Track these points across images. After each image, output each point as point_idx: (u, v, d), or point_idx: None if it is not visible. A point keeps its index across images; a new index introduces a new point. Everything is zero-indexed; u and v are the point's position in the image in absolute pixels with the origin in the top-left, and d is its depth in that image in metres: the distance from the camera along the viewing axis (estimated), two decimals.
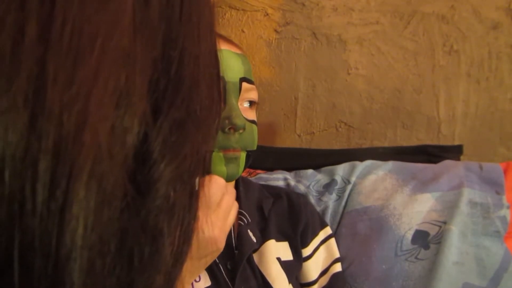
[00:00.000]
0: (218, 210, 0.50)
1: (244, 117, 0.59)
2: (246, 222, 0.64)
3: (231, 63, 0.58)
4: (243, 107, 0.60)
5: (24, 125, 0.14)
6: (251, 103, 0.62)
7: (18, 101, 0.13)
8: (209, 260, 0.50)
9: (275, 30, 1.10)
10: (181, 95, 0.19)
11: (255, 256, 0.63)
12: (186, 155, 0.20)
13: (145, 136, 0.18)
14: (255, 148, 0.62)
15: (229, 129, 0.57)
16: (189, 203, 0.21)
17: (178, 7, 0.19)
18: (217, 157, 0.57)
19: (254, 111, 0.63)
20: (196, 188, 0.22)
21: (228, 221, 0.52)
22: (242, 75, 0.59)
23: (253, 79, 0.62)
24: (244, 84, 0.59)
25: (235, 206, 0.55)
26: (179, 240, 0.20)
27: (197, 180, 0.22)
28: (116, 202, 0.16)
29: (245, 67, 0.60)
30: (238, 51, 0.61)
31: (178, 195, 0.19)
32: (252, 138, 0.61)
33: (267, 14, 1.09)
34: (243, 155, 0.60)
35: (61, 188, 0.14)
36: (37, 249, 0.14)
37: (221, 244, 0.49)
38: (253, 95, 0.61)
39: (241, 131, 0.58)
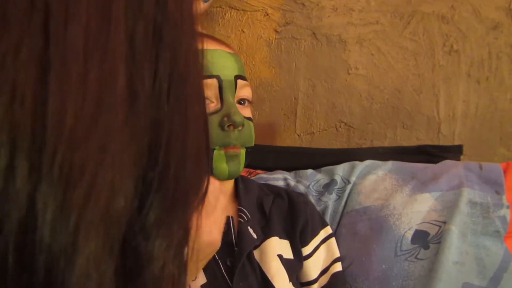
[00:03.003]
0: (215, 212, 0.50)
1: None
2: (246, 219, 0.64)
3: (226, 62, 0.60)
4: (239, 105, 0.62)
5: (12, 259, 0.14)
6: (246, 101, 0.64)
7: (8, 244, 0.14)
8: (205, 262, 0.51)
9: (275, 30, 1.10)
10: (168, 180, 0.20)
11: (256, 253, 0.63)
12: (175, 233, 0.21)
13: (131, 223, 0.19)
14: (253, 144, 0.64)
15: (229, 126, 0.59)
16: (178, 274, 0.22)
17: (165, 89, 0.19)
18: (218, 154, 0.59)
19: (249, 108, 0.65)
20: (185, 259, 0.23)
21: (223, 220, 0.52)
22: (236, 73, 0.61)
23: (246, 76, 0.64)
24: (239, 81, 0.62)
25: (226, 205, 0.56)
26: None
27: (185, 250, 0.23)
28: (112, 278, 0.17)
29: (238, 65, 0.63)
30: (231, 51, 0.64)
31: (168, 269, 0.21)
32: (250, 134, 0.63)
33: (267, 14, 1.09)
34: (242, 152, 0.62)
35: None
36: None
37: (218, 244, 0.49)
38: (248, 92, 0.64)
39: (240, 127, 0.60)
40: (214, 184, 0.52)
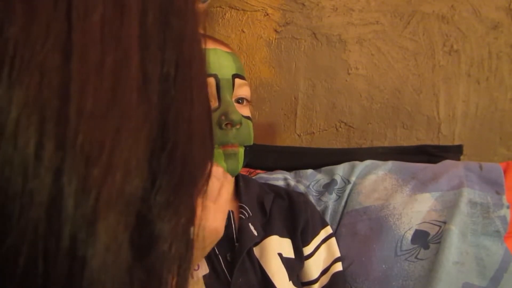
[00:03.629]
0: (219, 200, 0.50)
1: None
2: (247, 215, 0.64)
3: (223, 61, 0.61)
4: (237, 104, 0.62)
5: (43, 226, 0.16)
6: (244, 100, 0.64)
7: (40, 214, 0.16)
8: (208, 249, 0.51)
9: (275, 30, 1.10)
10: (175, 160, 0.22)
11: (256, 250, 0.63)
12: (182, 212, 0.22)
13: (144, 201, 0.20)
14: (251, 143, 0.64)
15: (226, 125, 0.59)
16: (185, 252, 0.23)
17: (172, 73, 0.21)
18: (217, 153, 0.59)
19: (248, 107, 0.65)
20: (191, 237, 0.24)
21: (227, 209, 0.52)
22: (234, 72, 0.62)
23: (244, 76, 0.64)
24: (237, 80, 0.62)
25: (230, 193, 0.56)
26: (177, 284, 0.23)
27: (191, 229, 0.24)
28: (122, 258, 0.19)
29: (236, 64, 0.63)
30: (228, 50, 0.64)
31: (175, 247, 0.22)
32: (248, 133, 0.63)
33: (267, 14, 1.09)
34: (241, 150, 0.62)
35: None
36: None
37: (221, 233, 0.49)
38: (246, 91, 0.64)
39: (238, 126, 0.60)
40: (217, 170, 0.52)
